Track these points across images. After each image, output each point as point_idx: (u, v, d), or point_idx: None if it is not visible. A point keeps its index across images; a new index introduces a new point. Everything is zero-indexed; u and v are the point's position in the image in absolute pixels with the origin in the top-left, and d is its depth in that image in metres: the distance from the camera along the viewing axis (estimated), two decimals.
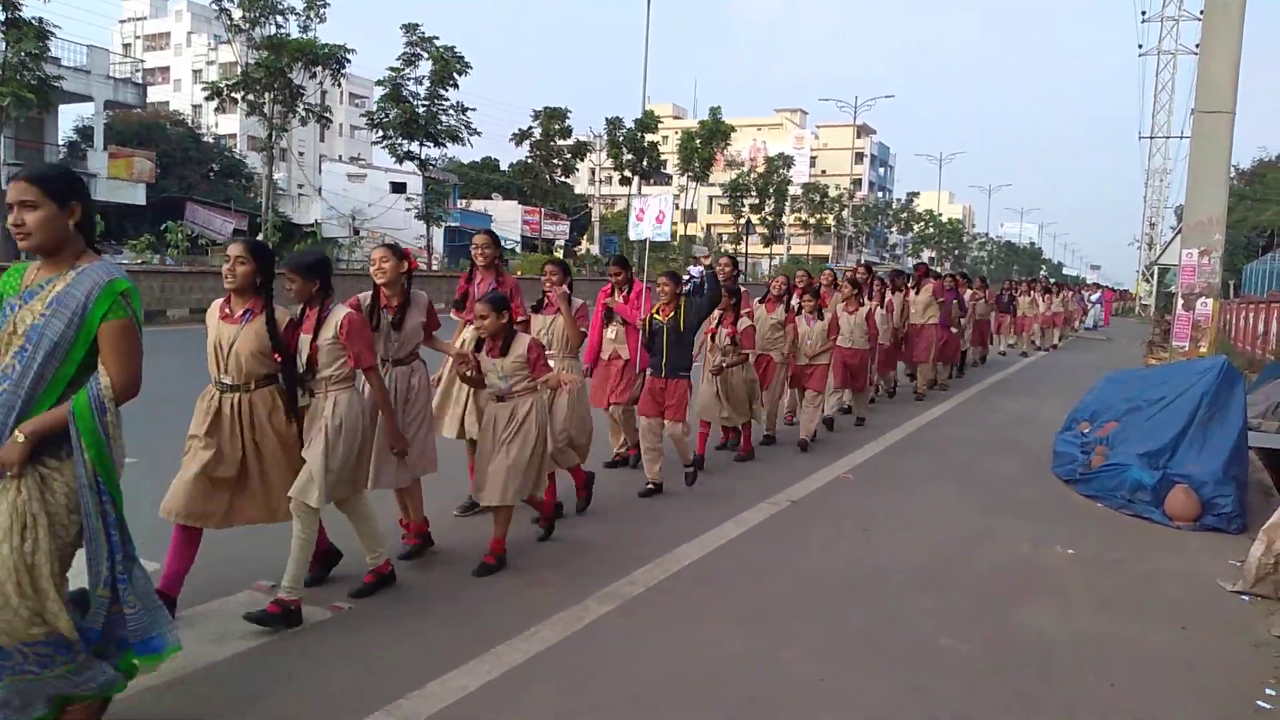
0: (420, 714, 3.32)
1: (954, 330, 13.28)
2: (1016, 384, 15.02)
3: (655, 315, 6.62)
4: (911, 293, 12.12)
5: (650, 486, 6.56)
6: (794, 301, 8.69)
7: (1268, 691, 3.83)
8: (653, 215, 8.18)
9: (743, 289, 7.83)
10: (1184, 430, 6.73)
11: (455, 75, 31.84)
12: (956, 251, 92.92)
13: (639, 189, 47.20)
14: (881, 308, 10.67)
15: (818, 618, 4.47)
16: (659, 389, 6.53)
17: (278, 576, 4.42)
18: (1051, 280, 42.55)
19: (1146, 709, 3.69)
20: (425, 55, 31.57)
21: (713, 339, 7.35)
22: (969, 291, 15.53)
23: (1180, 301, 10.54)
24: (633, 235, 8.34)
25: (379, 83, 32.77)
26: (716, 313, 7.22)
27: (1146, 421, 7.12)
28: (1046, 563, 5.52)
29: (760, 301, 8.32)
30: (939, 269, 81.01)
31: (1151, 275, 45.16)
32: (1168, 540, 6.09)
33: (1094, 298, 34.33)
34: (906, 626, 4.40)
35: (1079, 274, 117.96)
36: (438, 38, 31.61)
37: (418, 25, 31.32)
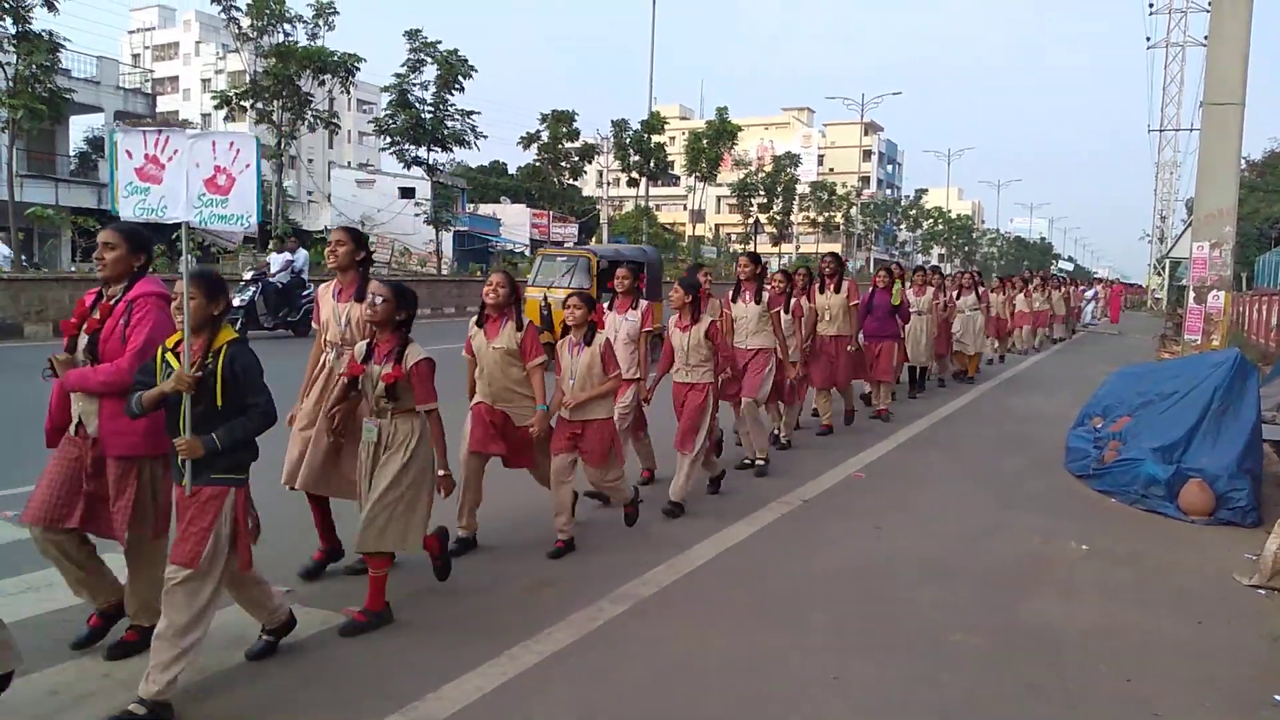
0: (436, 716, 3.34)
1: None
2: (1028, 380, 14.96)
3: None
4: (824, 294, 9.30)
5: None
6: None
7: None
8: (195, 176, 3.47)
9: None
10: (1197, 424, 6.70)
11: (460, 79, 31.92)
12: (966, 248, 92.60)
13: (647, 190, 47.24)
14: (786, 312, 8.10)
15: (829, 614, 4.47)
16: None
17: (292, 580, 4.46)
18: (1057, 274, 42.17)
19: (1160, 702, 3.69)
20: (430, 60, 31.67)
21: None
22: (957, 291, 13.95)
23: (1192, 295, 10.48)
24: (124, 213, 3.54)
25: (386, 89, 32.88)
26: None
27: (1159, 416, 7.10)
28: (1059, 557, 5.52)
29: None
30: (947, 265, 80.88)
31: (1163, 269, 44.94)
32: (1182, 535, 6.06)
33: (1089, 293, 32.89)
34: (918, 621, 4.40)
35: (1092, 269, 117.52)
36: (440, 42, 31.72)
37: (420, 31, 31.41)
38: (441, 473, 4.26)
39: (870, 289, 10.37)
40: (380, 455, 4.14)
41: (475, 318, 5.21)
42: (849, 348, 9.23)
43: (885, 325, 10.18)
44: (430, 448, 4.22)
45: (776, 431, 8.32)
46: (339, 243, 4.64)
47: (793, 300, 8.01)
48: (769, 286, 7.79)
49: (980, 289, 14.77)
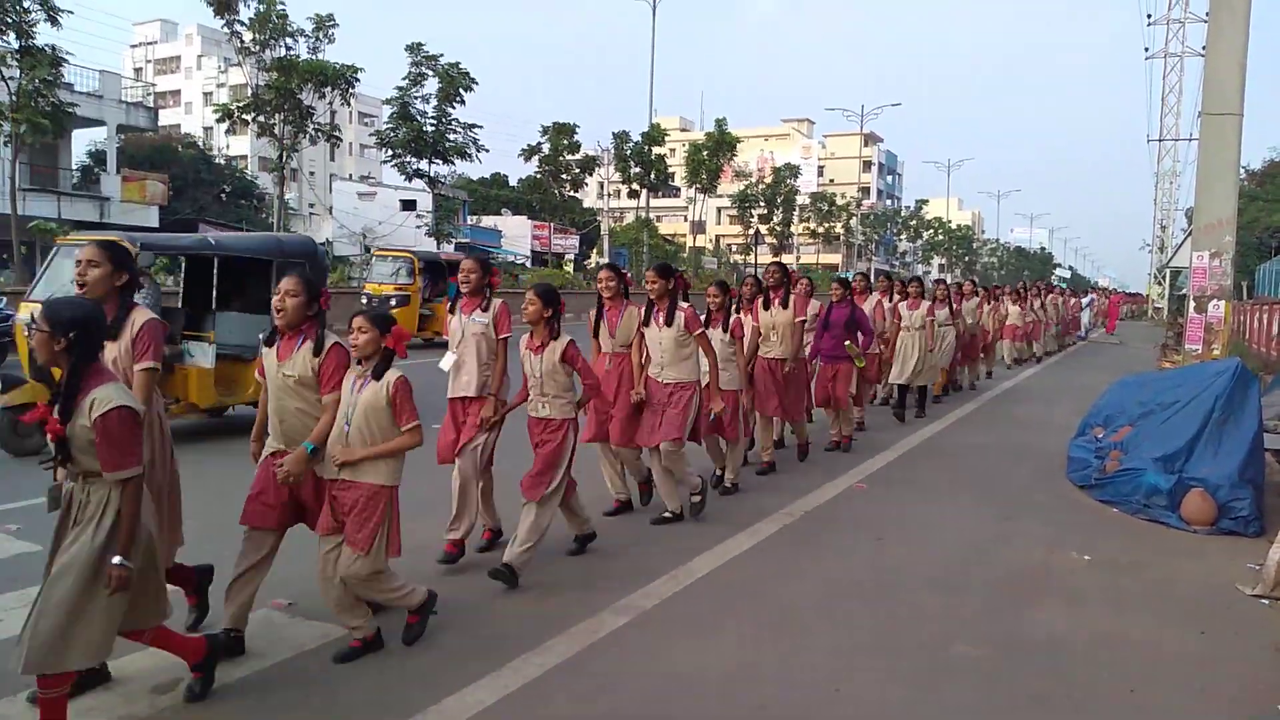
0: None
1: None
2: (1029, 390, 14.96)
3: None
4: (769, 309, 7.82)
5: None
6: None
7: None
8: None
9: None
10: (1199, 433, 6.69)
11: (461, 92, 32.06)
12: (967, 258, 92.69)
13: (648, 201, 47.34)
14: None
15: (831, 626, 4.46)
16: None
17: (294, 594, 4.45)
18: (1056, 284, 41.94)
19: (1164, 712, 3.68)
20: (431, 74, 31.82)
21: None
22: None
23: (1192, 304, 10.49)
24: None
25: (387, 101, 33.03)
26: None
27: (1161, 425, 7.09)
28: (1062, 567, 5.50)
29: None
30: (947, 276, 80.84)
31: (1163, 278, 44.96)
32: (1184, 544, 6.05)
33: (1085, 301, 31.98)
34: (920, 632, 4.39)
35: (1093, 279, 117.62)
36: (442, 55, 31.88)
37: (422, 45, 31.59)
38: (116, 560, 2.98)
39: (827, 303, 9.00)
40: (67, 531, 3.10)
41: (264, 334, 4.10)
42: (785, 369, 7.68)
43: (843, 344, 8.76)
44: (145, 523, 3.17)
45: (718, 472, 7.16)
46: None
47: (733, 316, 6.94)
48: (711, 301, 6.89)
49: (954, 303, 12.89)
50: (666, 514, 6.16)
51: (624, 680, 3.81)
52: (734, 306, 7.28)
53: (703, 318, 6.48)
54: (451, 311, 5.31)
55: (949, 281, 14.85)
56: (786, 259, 61.41)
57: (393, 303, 17.43)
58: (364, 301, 17.52)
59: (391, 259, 19.58)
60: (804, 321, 7.96)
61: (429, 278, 19.47)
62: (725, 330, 6.82)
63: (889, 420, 10.72)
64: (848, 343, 8.68)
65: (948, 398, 13.01)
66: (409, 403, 3.82)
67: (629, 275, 6.25)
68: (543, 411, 5.01)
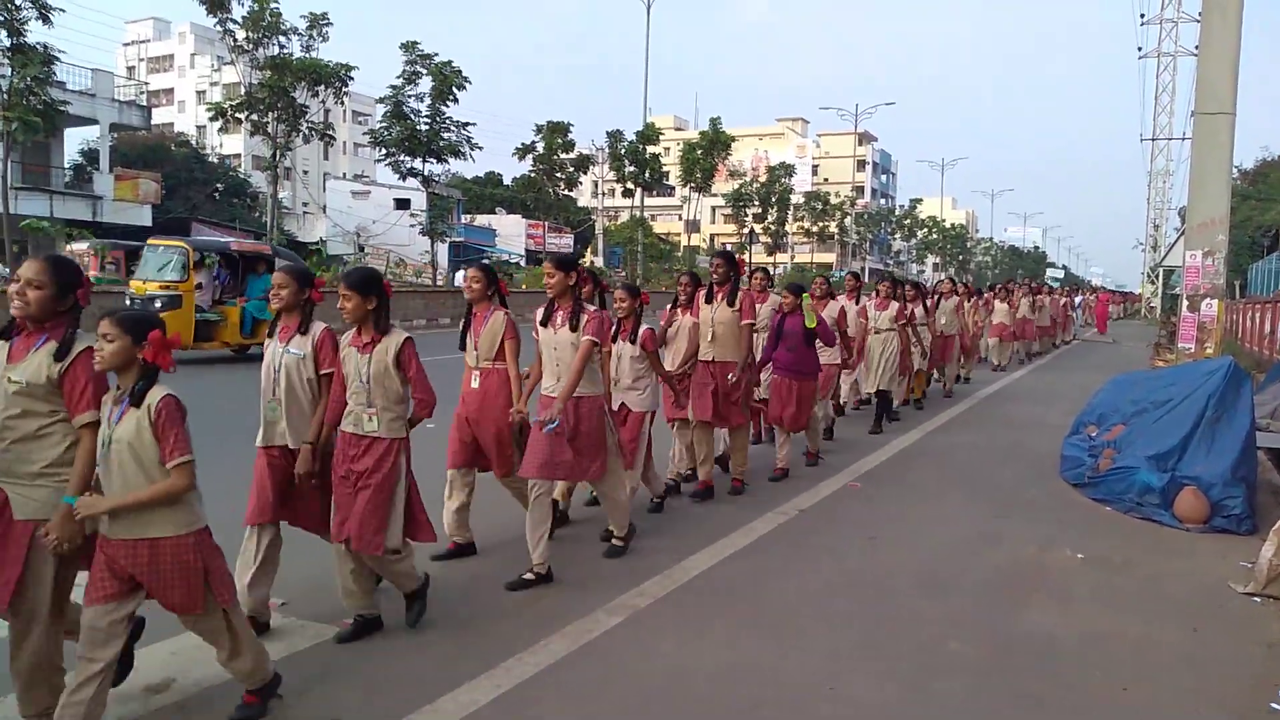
0: None
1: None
2: (1022, 389, 14.99)
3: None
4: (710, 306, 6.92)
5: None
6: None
7: None
8: None
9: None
10: (1192, 432, 6.71)
11: (454, 90, 32.02)
12: (961, 257, 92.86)
13: (642, 200, 47.33)
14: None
15: (825, 625, 4.47)
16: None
17: (289, 594, 4.44)
18: (1050, 283, 41.83)
19: (1156, 710, 3.69)
20: (425, 72, 31.78)
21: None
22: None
23: (1185, 303, 10.52)
24: None
25: (381, 100, 32.97)
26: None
27: (1154, 424, 7.11)
28: (1055, 566, 5.51)
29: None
30: (941, 274, 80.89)
31: (1156, 277, 45.08)
32: (1177, 542, 6.07)
33: (1077, 300, 31.42)
34: (914, 631, 4.39)
35: (1087, 278, 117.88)
36: (436, 54, 31.84)
37: (416, 43, 31.55)
38: None
39: (780, 311, 7.73)
40: None
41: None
42: (729, 377, 6.68)
43: (803, 358, 7.46)
44: None
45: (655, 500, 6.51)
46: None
47: (644, 327, 5.98)
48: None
49: (928, 300, 12.40)
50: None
51: (618, 679, 3.81)
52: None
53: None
54: (270, 335, 4.27)
55: (936, 280, 14.55)
56: (781, 258, 61.53)
57: (158, 304, 13.80)
58: (129, 304, 13.87)
59: (164, 249, 15.09)
60: (752, 325, 6.83)
61: (223, 273, 15.37)
62: (634, 341, 5.81)
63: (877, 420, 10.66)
64: (806, 300, 7.44)
65: (924, 401, 12.27)
66: (177, 430, 2.97)
67: (502, 278, 5.34)
68: (367, 426, 3.98)
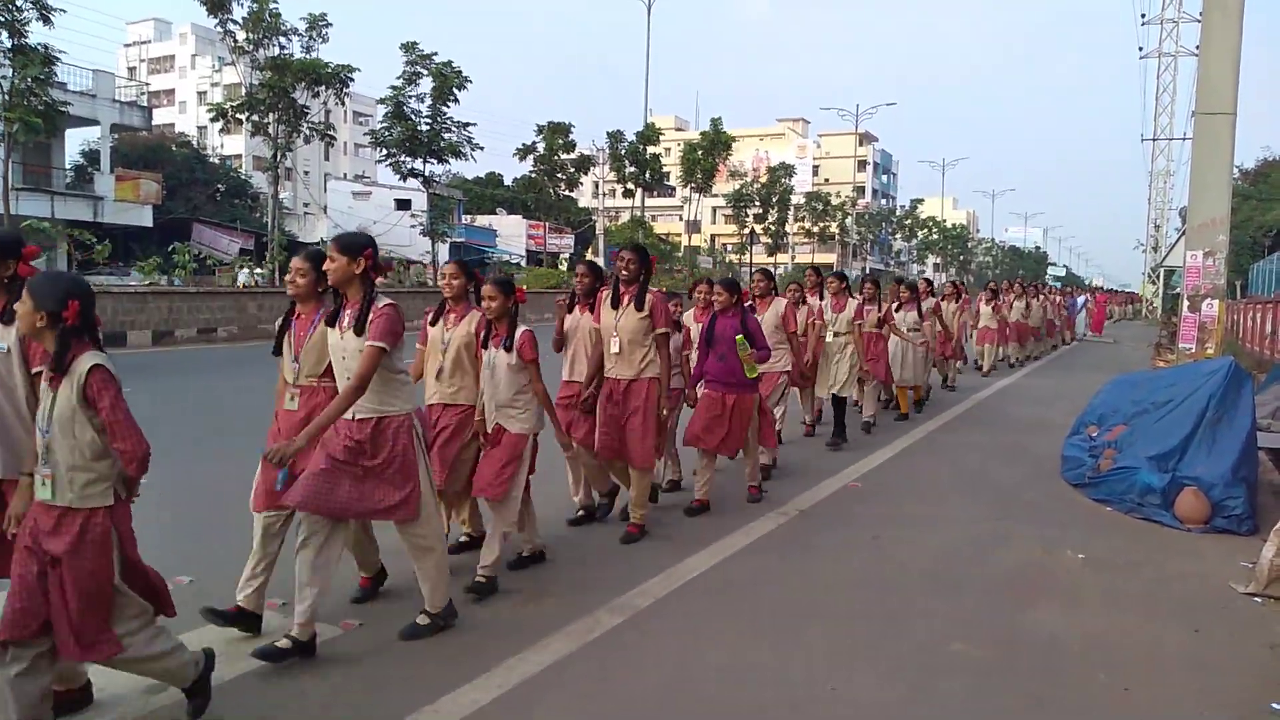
0: None
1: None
2: (1023, 390, 14.98)
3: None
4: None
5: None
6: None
7: None
8: None
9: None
10: (1192, 432, 6.71)
11: (455, 90, 32.03)
12: (962, 257, 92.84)
13: (642, 201, 47.32)
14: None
15: (827, 625, 4.46)
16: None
17: (287, 594, 4.44)
18: (1051, 282, 41.61)
19: (1158, 711, 3.68)
20: (425, 72, 31.79)
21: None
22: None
23: (1186, 303, 10.52)
24: None
25: (382, 101, 32.99)
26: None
27: (1155, 424, 7.11)
28: (1057, 566, 5.51)
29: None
30: (942, 275, 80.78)
31: (1157, 277, 45.04)
32: (1178, 543, 6.06)
33: (1080, 301, 30.76)
34: (916, 632, 4.39)
35: (1088, 278, 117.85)
36: (436, 54, 31.85)
37: (416, 44, 31.57)
38: None
39: (711, 314, 6.71)
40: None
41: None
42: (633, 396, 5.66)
43: (739, 367, 6.38)
44: None
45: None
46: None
47: (520, 331, 4.82)
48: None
49: (922, 303, 11.78)
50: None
51: (619, 679, 3.81)
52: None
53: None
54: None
55: (939, 281, 14.28)
56: (781, 258, 61.49)
57: None
58: None
59: None
60: (668, 335, 5.72)
61: None
62: (510, 350, 4.76)
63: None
64: (740, 338, 6.26)
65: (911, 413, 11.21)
66: None
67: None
68: (48, 495, 2.96)
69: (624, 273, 5.71)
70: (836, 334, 9.27)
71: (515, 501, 4.80)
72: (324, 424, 3.76)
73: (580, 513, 6.12)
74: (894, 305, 11.08)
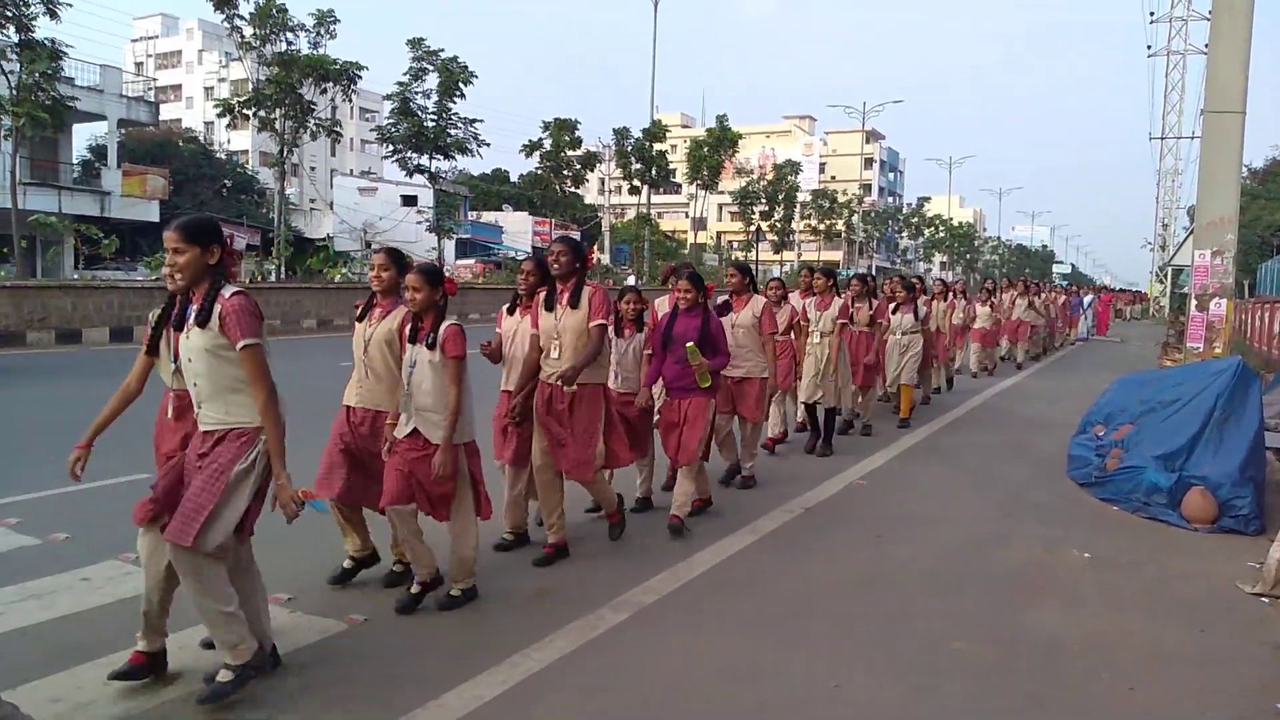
0: None
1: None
2: (1027, 389, 14.95)
3: None
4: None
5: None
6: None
7: None
8: None
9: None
10: (1200, 432, 6.68)
11: (461, 86, 32.03)
12: (968, 255, 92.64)
13: (648, 198, 47.28)
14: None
15: (831, 623, 4.46)
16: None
17: (294, 590, 4.45)
18: (1058, 280, 41.41)
19: (1163, 711, 3.67)
20: (432, 69, 31.79)
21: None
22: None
23: (1194, 302, 10.48)
24: None
25: (388, 97, 33.00)
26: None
27: (1162, 423, 7.08)
28: (1062, 565, 5.50)
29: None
30: (948, 274, 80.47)
31: (1165, 276, 44.93)
32: (1184, 543, 6.05)
33: (1087, 300, 30.01)
34: (920, 630, 4.39)
35: (1096, 277, 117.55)
36: (442, 50, 31.84)
37: (423, 40, 31.56)
38: None
39: (669, 310, 6.19)
40: None
41: None
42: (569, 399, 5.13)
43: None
44: None
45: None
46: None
47: (446, 324, 4.37)
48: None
49: (919, 301, 11.23)
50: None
51: (623, 676, 3.81)
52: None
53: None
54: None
55: (946, 279, 13.89)
56: (788, 256, 61.40)
57: None
58: None
59: None
60: (604, 329, 5.16)
61: None
62: (433, 346, 4.31)
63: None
64: (690, 345, 5.71)
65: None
66: None
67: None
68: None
69: (555, 267, 5.17)
70: (823, 334, 8.65)
71: (466, 522, 4.43)
72: (277, 449, 3.41)
73: (509, 537, 5.45)
74: (890, 306, 10.67)
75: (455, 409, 4.23)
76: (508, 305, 5.52)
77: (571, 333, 5.09)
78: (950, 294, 14.61)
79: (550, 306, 5.14)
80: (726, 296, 7.22)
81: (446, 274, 4.65)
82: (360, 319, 4.64)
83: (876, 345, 9.94)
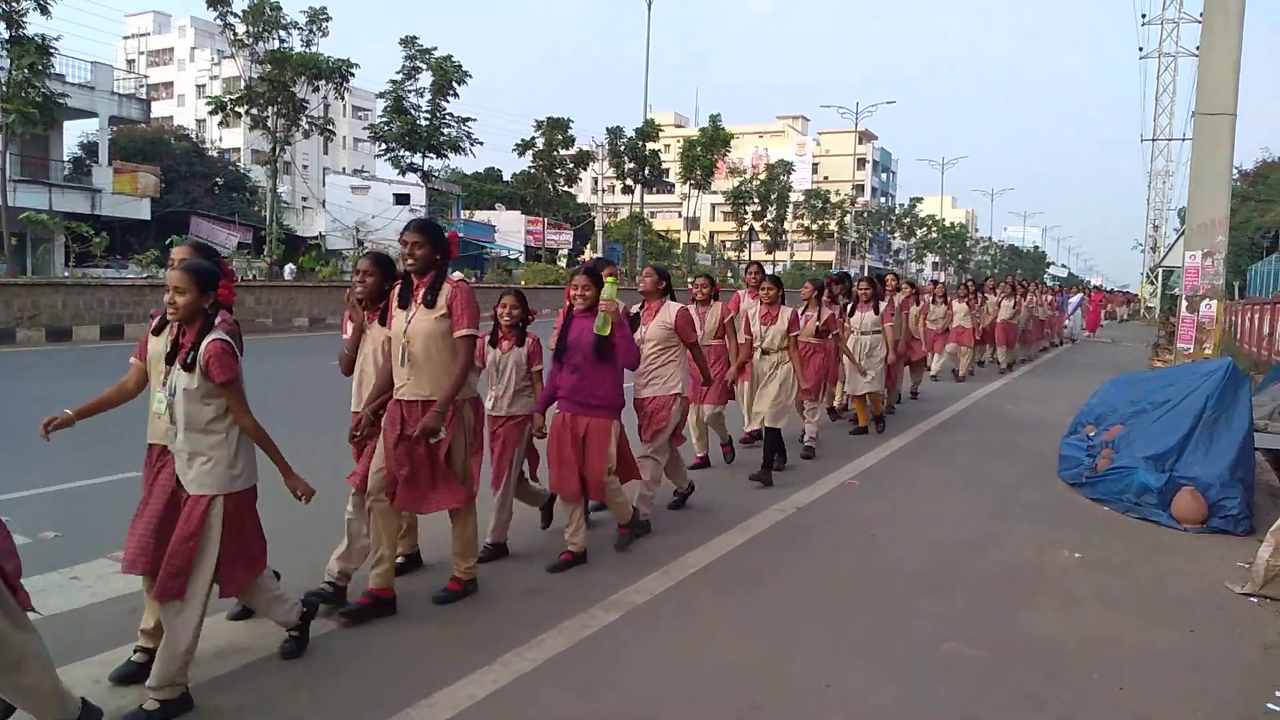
0: None
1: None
2: (1021, 389, 15.00)
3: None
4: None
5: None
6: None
7: (1278, 694, 3.81)
8: None
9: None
10: (1190, 432, 6.72)
11: (454, 85, 32.01)
12: (960, 256, 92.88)
13: (642, 197, 47.28)
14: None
15: (823, 623, 4.47)
16: None
17: (285, 586, 4.43)
18: (1047, 282, 41.46)
19: (1154, 711, 3.68)
20: (425, 67, 31.76)
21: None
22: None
23: (1184, 304, 10.53)
24: None
25: (381, 95, 32.96)
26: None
27: (1152, 424, 7.12)
28: (1053, 566, 5.52)
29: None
30: (940, 274, 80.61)
31: (1156, 278, 45.07)
32: (1175, 543, 6.07)
33: (1075, 300, 29.43)
34: (912, 630, 4.39)
35: (1088, 278, 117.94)
36: (436, 48, 31.83)
37: (416, 38, 31.56)
38: None
39: (564, 307, 5.40)
40: None
41: None
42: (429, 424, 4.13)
43: (594, 381, 5.08)
44: None
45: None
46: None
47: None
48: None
49: (882, 303, 10.15)
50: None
51: (615, 676, 3.81)
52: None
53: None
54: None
55: (940, 280, 13.41)
56: (780, 256, 61.44)
57: None
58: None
59: None
60: (472, 337, 4.29)
61: None
62: (191, 367, 3.43)
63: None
64: (610, 279, 5.12)
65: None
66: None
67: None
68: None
69: (410, 262, 4.27)
70: (765, 352, 7.47)
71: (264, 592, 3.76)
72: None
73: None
74: (847, 306, 9.67)
75: (259, 437, 3.56)
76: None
77: (421, 337, 4.22)
78: (919, 296, 13.48)
79: (405, 303, 4.30)
80: (638, 308, 6.12)
81: (232, 270, 4.11)
82: (156, 333, 3.74)
83: (826, 359, 8.88)
